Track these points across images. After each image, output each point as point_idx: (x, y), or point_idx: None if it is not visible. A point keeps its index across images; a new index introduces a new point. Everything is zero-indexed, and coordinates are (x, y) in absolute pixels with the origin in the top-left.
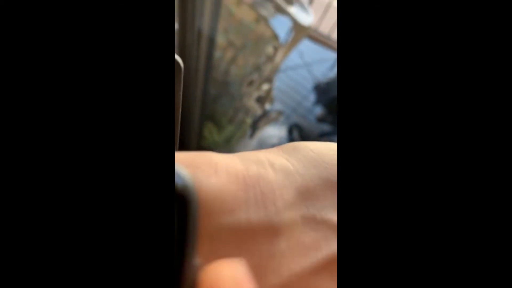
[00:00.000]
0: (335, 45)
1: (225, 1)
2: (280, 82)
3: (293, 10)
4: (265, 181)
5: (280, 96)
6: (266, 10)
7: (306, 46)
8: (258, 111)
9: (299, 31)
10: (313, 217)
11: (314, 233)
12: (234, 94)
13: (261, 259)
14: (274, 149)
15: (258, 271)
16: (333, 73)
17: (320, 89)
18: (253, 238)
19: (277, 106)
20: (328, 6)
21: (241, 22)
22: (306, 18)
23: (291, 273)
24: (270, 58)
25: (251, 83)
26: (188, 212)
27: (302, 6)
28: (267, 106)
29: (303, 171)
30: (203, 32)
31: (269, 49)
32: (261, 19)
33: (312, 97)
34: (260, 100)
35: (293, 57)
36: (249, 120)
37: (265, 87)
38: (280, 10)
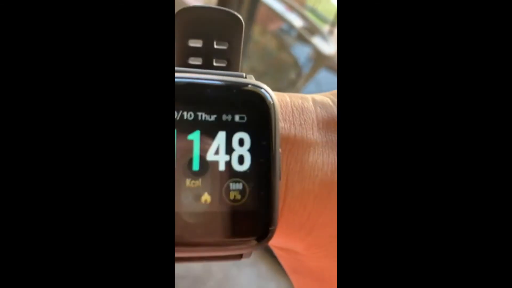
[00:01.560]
0: None
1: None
2: None
3: (316, 40)
4: (306, 110)
5: None
6: (289, 39)
7: (322, 75)
8: None
9: (320, 60)
10: (332, 141)
11: (332, 153)
12: None
13: (302, 166)
14: (327, 93)
15: (299, 176)
16: None
17: None
18: (296, 148)
19: None
20: None
21: (264, 49)
22: (327, 48)
23: (318, 180)
24: (293, 83)
25: None
26: (275, 112)
27: (323, 36)
28: None
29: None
30: None
31: (291, 75)
32: (283, 47)
33: None
34: None
35: (310, 86)
36: None
37: None
38: (303, 39)
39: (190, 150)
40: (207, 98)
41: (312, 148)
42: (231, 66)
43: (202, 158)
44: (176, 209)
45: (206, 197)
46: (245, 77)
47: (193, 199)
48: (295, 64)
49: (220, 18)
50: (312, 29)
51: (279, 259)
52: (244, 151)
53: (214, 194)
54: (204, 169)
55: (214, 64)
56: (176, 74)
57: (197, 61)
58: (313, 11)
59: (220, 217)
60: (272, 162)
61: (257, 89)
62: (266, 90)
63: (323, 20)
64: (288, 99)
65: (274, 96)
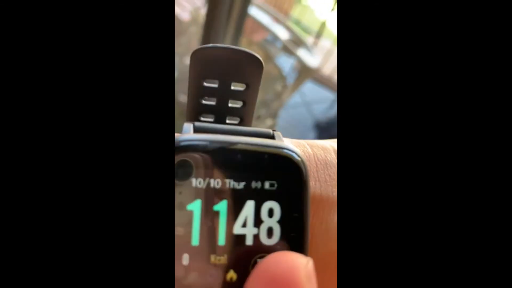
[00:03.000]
0: (336, 87)
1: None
2: (281, 119)
3: (300, 52)
4: (330, 164)
5: (282, 132)
6: (274, 50)
7: (308, 86)
8: None
9: (305, 72)
10: None
11: None
12: None
13: (327, 226)
14: None
15: (324, 237)
16: (332, 112)
17: (321, 127)
18: (321, 208)
19: None
20: (330, 51)
21: None
22: (312, 60)
23: None
24: (278, 95)
25: (258, 117)
26: (307, 177)
27: (308, 48)
28: None
29: None
30: None
31: (278, 87)
32: (269, 58)
33: (311, 135)
34: None
35: (294, 96)
36: None
37: (269, 122)
38: (288, 51)
39: (216, 222)
40: (237, 164)
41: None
42: (246, 108)
43: (228, 231)
44: (201, 287)
45: (231, 274)
46: (273, 135)
47: (218, 277)
48: (281, 75)
49: (238, 59)
50: (297, 41)
51: None
52: (274, 222)
53: (240, 271)
54: (230, 243)
55: (229, 105)
56: (201, 136)
57: (211, 101)
58: (298, 23)
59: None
60: (303, 236)
61: (290, 154)
62: (298, 154)
63: (307, 31)
64: (310, 151)
65: (305, 161)
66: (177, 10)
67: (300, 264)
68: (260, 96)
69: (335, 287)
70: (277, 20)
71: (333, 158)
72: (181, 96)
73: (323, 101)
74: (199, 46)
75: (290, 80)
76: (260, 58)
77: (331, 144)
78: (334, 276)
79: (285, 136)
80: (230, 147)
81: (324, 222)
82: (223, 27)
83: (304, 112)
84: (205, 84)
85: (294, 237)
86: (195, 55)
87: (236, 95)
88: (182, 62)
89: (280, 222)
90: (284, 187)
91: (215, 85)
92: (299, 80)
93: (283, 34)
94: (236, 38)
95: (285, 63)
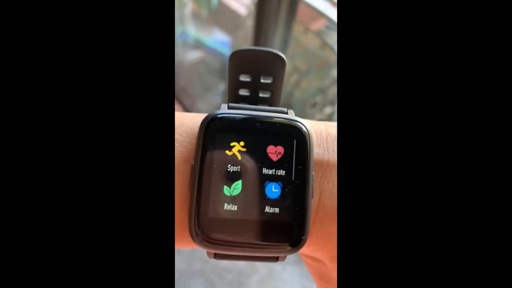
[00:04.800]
0: None
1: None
2: None
3: None
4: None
5: None
6: (332, 37)
7: None
8: None
9: None
10: None
11: None
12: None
13: (333, 186)
14: None
15: (330, 195)
16: None
17: None
18: (329, 170)
19: None
20: None
21: (307, 48)
22: None
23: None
24: (335, 81)
25: (314, 105)
26: (310, 142)
27: None
28: None
29: None
30: None
31: (334, 73)
32: (326, 45)
33: None
34: None
35: None
36: None
37: (328, 110)
38: None
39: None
40: (257, 130)
41: None
42: (274, 96)
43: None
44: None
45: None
46: (287, 113)
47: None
48: None
49: (266, 58)
50: None
51: (307, 267)
52: (283, 172)
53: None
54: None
55: (260, 95)
56: (234, 111)
57: (246, 92)
58: None
59: (261, 224)
60: (305, 183)
61: (297, 124)
62: (304, 124)
63: None
64: (323, 127)
65: (310, 129)
66: (235, 5)
67: None
68: (317, 84)
69: None
70: (335, 4)
71: None
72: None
73: None
74: (235, 50)
75: None
76: (283, 56)
77: None
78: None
79: None
80: (251, 119)
81: (331, 181)
82: (273, 16)
83: None
84: (240, 78)
85: (298, 183)
86: (233, 56)
87: (265, 86)
88: None
89: (287, 173)
90: (291, 148)
91: (249, 79)
92: None
93: None
94: (288, 27)
95: None
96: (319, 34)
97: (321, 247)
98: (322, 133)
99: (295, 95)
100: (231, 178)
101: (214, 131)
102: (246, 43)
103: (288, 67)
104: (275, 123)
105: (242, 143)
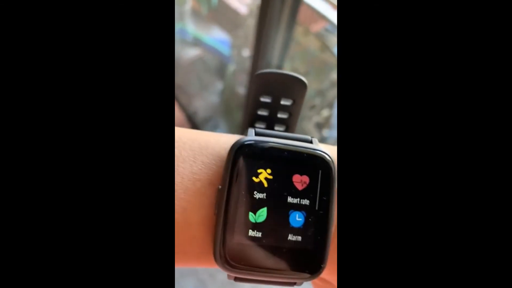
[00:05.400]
0: None
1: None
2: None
3: None
4: None
5: None
6: (332, 39)
7: None
8: (315, 136)
9: None
10: None
11: None
12: None
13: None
14: None
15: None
16: None
17: None
18: None
19: (335, 134)
20: None
21: (306, 50)
22: None
23: None
24: (334, 84)
25: (313, 107)
26: (334, 174)
27: None
28: (325, 132)
29: None
30: (272, 62)
31: (333, 76)
32: (326, 48)
33: None
34: (319, 126)
35: None
36: None
37: (325, 113)
38: None
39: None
40: (283, 158)
41: None
42: (292, 118)
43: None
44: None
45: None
46: (311, 141)
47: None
48: None
49: (288, 81)
50: None
51: (313, 285)
52: (307, 202)
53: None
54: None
55: (278, 116)
56: (262, 138)
57: (265, 112)
58: None
59: (283, 252)
60: (328, 214)
61: (322, 155)
62: (328, 154)
63: None
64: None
65: (334, 161)
66: (236, 3)
67: None
68: (315, 86)
69: None
70: (336, 7)
71: None
72: (239, 88)
73: None
74: (259, 71)
75: None
76: (305, 80)
77: None
78: None
79: None
80: (279, 147)
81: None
82: (276, 17)
83: None
84: (261, 99)
85: (321, 214)
86: (257, 77)
87: (284, 108)
88: (240, 54)
89: (311, 203)
90: (317, 178)
91: (269, 100)
92: None
93: None
94: (289, 28)
95: None
96: (319, 36)
97: (333, 271)
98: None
99: None
100: (257, 204)
101: (243, 158)
102: (246, 43)
103: (287, 68)
104: (302, 152)
105: (269, 171)
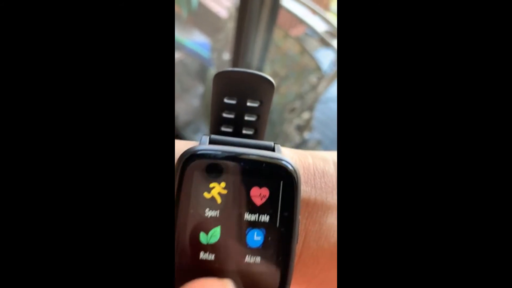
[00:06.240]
0: None
1: (273, 35)
2: (320, 113)
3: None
4: (327, 174)
5: (319, 127)
6: (311, 43)
7: None
8: (296, 139)
9: None
10: None
11: None
12: (275, 120)
13: (320, 227)
14: None
15: (315, 236)
16: None
17: None
18: (316, 210)
19: (316, 135)
20: None
21: (286, 54)
22: None
23: (333, 240)
24: (313, 87)
25: (293, 110)
26: (298, 185)
27: None
28: (306, 135)
29: None
30: (252, 64)
31: (313, 79)
32: (305, 52)
33: None
34: (300, 129)
35: (334, 90)
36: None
37: (306, 115)
38: (325, 44)
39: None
40: (240, 169)
41: (331, 211)
42: (260, 121)
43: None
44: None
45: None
46: (274, 148)
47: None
48: (317, 68)
49: (254, 80)
50: (335, 33)
51: None
52: (267, 219)
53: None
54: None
55: (245, 118)
56: (216, 146)
57: (231, 114)
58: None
59: (239, 276)
60: (292, 232)
61: (284, 164)
62: (291, 164)
63: None
64: (310, 160)
65: (298, 167)
66: (216, 7)
67: None
68: (295, 89)
69: (325, 278)
70: (315, 12)
71: (331, 168)
72: None
73: None
74: (220, 70)
75: (329, 72)
76: (272, 80)
77: (332, 156)
78: (324, 268)
79: (321, 130)
80: (234, 157)
81: (317, 223)
82: (255, 19)
83: None
84: (225, 100)
85: (283, 231)
86: (218, 77)
87: (251, 110)
88: (221, 57)
89: (271, 219)
90: (278, 190)
91: (234, 102)
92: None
93: (320, 26)
94: (268, 31)
95: (324, 56)
96: (298, 40)
97: (307, 285)
98: (310, 168)
99: (274, 99)
100: (209, 223)
101: (193, 170)
102: (226, 46)
103: (267, 72)
104: (261, 161)
105: (223, 184)
